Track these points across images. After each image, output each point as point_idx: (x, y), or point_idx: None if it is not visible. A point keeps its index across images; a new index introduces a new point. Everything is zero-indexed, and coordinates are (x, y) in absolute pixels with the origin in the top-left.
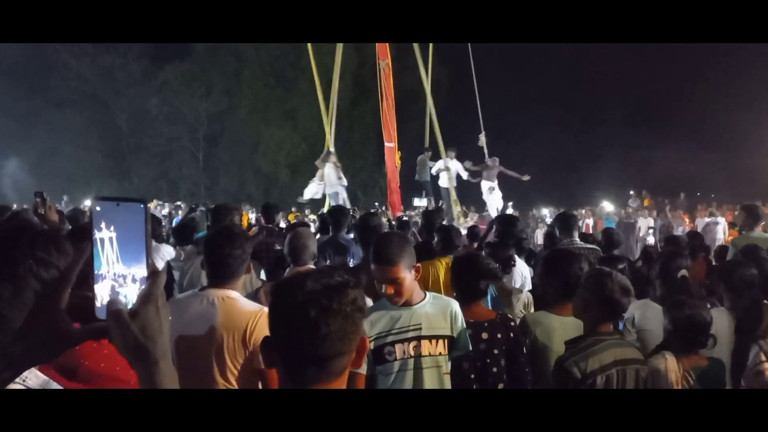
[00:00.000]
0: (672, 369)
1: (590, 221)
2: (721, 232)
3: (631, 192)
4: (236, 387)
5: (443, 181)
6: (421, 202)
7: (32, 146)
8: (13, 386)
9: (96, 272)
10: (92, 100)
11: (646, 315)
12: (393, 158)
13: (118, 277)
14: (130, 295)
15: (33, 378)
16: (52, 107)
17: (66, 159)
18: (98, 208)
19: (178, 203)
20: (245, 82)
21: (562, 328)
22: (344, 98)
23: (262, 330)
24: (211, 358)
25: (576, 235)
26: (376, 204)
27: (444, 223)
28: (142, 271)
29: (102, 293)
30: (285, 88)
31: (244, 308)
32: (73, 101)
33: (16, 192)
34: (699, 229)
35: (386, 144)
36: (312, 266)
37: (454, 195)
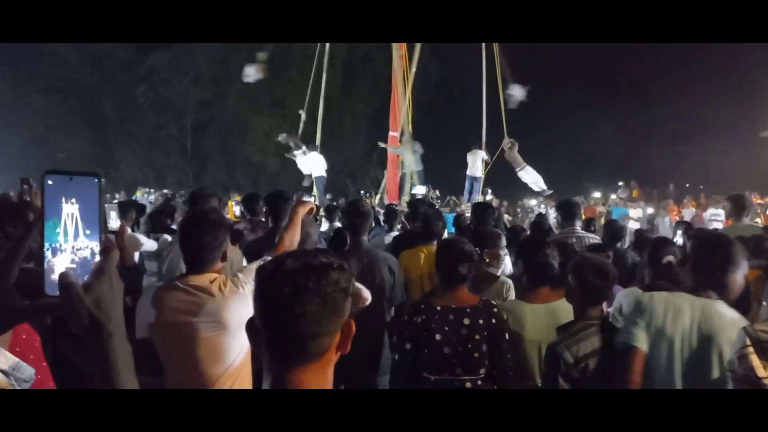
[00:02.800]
0: None
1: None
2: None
3: (620, 183)
4: (219, 374)
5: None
6: (419, 190)
7: (18, 133)
8: None
9: (50, 246)
10: (79, 87)
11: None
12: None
13: (74, 251)
14: (84, 270)
15: (3, 360)
16: (39, 94)
17: (52, 146)
18: (50, 182)
19: (165, 191)
20: (233, 70)
21: (533, 315)
22: (333, 87)
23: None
24: (191, 345)
25: (578, 223)
26: (362, 191)
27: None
28: (95, 246)
29: (57, 268)
30: (274, 76)
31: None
32: (60, 88)
33: (2, 179)
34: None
35: (391, 133)
36: None
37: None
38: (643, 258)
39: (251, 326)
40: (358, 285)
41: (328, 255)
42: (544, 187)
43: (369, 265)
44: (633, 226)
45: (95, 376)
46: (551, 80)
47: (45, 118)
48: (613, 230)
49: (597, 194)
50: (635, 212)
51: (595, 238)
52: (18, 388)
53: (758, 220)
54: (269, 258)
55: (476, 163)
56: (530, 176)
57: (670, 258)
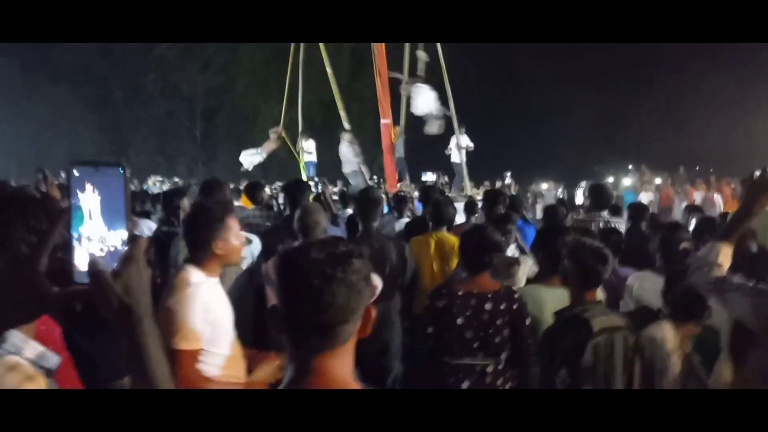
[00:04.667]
0: (669, 338)
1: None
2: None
3: (630, 166)
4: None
5: (456, 157)
6: (430, 177)
7: (30, 121)
8: (9, 358)
9: (78, 235)
10: (89, 74)
11: (644, 286)
12: (388, 134)
13: (102, 240)
14: (112, 258)
15: (30, 349)
16: (50, 82)
17: (64, 134)
18: (77, 173)
19: (176, 179)
20: (243, 56)
21: (552, 299)
22: (343, 74)
23: (177, 307)
24: None
25: (605, 209)
26: (374, 177)
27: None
28: (122, 234)
29: (84, 257)
30: (283, 61)
31: (176, 281)
32: (71, 76)
33: (15, 167)
34: (698, 203)
35: (382, 120)
36: None
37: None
38: (655, 242)
39: (273, 314)
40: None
41: (347, 243)
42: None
43: (380, 252)
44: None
45: (124, 362)
46: (556, 62)
47: (55, 105)
48: (637, 210)
49: (610, 179)
50: (646, 196)
51: (620, 223)
52: (45, 376)
53: None
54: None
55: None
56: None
57: (686, 245)
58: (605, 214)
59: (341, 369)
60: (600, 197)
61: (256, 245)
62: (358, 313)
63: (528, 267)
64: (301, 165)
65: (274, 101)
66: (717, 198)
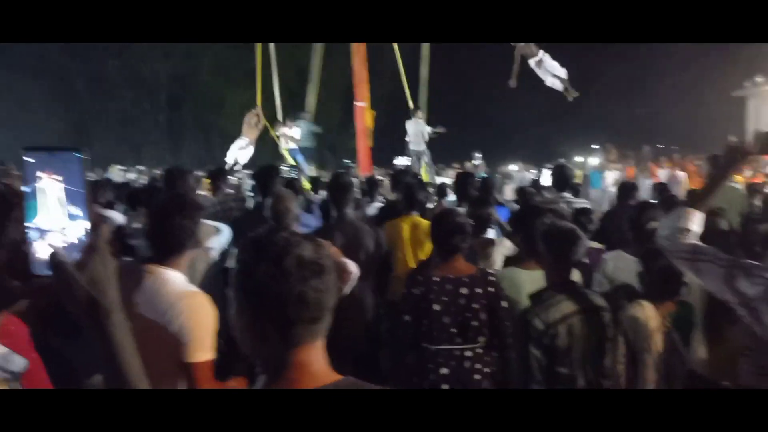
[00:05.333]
0: (651, 316)
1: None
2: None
3: (595, 146)
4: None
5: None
6: (402, 161)
7: None
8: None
9: (35, 226)
10: (50, 64)
11: (619, 266)
12: (363, 118)
13: (62, 230)
14: (74, 250)
15: (16, 361)
16: (9, 75)
17: (26, 127)
18: (30, 160)
19: (140, 168)
20: (206, 43)
21: (530, 281)
22: (307, 59)
23: (192, 318)
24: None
25: (566, 189)
26: (346, 160)
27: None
28: (84, 222)
29: (45, 248)
30: (248, 47)
31: (173, 290)
32: (32, 68)
33: None
34: (663, 181)
35: (356, 103)
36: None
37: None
38: (625, 222)
39: (243, 313)
40: (345, 259)
41: (306, 234)
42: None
43: (354, 238)
44: (612, 190)
45: (98, 361)
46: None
47: (16, 98)
48: (626, 189)
49: (578, 159)
50: (612, 175)
51: (584, 203)
52: (10, 379)
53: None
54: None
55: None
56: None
57: (655, 224)
58: (567, 194)
59: (321, 360)
60: (561, 178)
61: (225, 235)
62: (335, 301)
63: (505, 248)
64: (284, 152)
65: (240, 87)
66: (681, 175)
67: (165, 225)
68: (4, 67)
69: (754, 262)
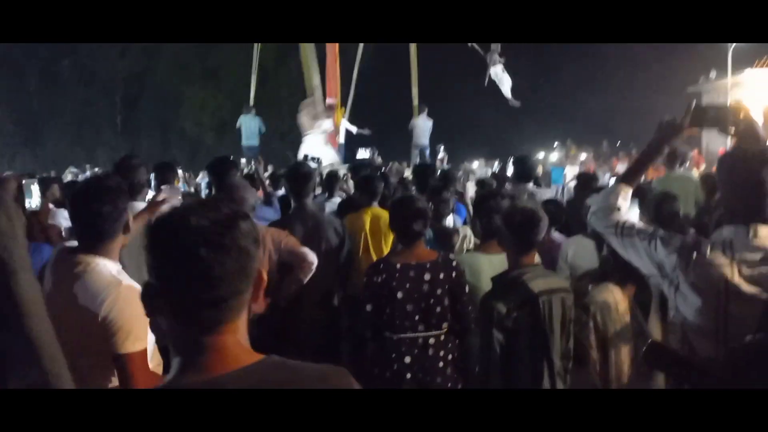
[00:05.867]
0: (620, 300)
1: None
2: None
3: (556, 142)
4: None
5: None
6: (365, 154)
7: None
8: None
9: None
10: (2, 63)
11: (578, 252)
12: (333, 115)
13: None
14: None
15: None
16: None
17: None
18: None
19: (96, 169)
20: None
21: (489, 266)
22: (267, 58)
23: (121, 308)
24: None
25: (529, 181)
26: (307, 155)
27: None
28: None
29: None
30: (205, 45)
31: (100, 280)
32: None
33: None
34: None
35: (327, 100)
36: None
37: None
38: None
39: (148, 294)
40: (303, 248)
41: (228, 203)
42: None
43: (314, 229)
44: (572, 184)
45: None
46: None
47: None
48: (586, 180)
49: (539, 155)
50: (572, 170)
51: (548, 193)
52: None
53: (694, 170)
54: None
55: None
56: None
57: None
58: (530, 185)
59: (239, 344)
60: (524, 169)
61: None
62: (250, 281)
63: (467, 238)
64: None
65: (197, 85)
66: None
67: (85, 211)
68: None
69: (670, 232)
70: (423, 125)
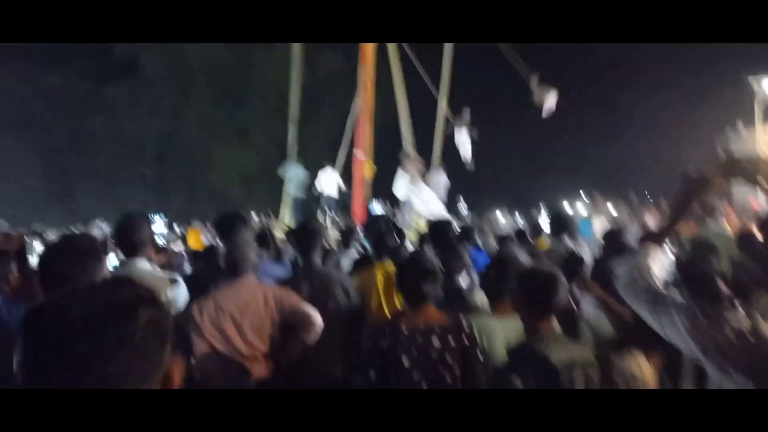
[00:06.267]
0: (646, 372)
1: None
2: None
3: (582, 192)
4: None
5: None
6: (378, 206)
7: None
8: None
9: None
10: (35, 122)
11: (601, 312)
12: (361, 169)
13: None
14: None
15: None
16: None
17: (9, 184)
18: None
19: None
20: (194, 99)
21: (503, 330)
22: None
23: None
24: None
25: (567, 237)
26: (326, 209)
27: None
28: None
29: None
30: (235, 104)
31: None
32: (16, 124)
33: None
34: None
35: (356, 152)
36: (253, 278)
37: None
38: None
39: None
40: (308, 308)
41: (134, 285)
42: (439, 212)
43: (321, 288)
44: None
45: None
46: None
47: (2, 154)
48: (612, 236)
49: (564, 205)
50: (599, 221)
51: (583, 249)
52: None
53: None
54: None
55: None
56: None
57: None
58: (567, 240)
59: None
60: (560, 221)
61: (182, 288)
62: (151, 379)
63: (480, 298)
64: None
65: (225, 143)
66: None
67: (48, 274)
68: None
69: (717, 307)
70: (436, 180)
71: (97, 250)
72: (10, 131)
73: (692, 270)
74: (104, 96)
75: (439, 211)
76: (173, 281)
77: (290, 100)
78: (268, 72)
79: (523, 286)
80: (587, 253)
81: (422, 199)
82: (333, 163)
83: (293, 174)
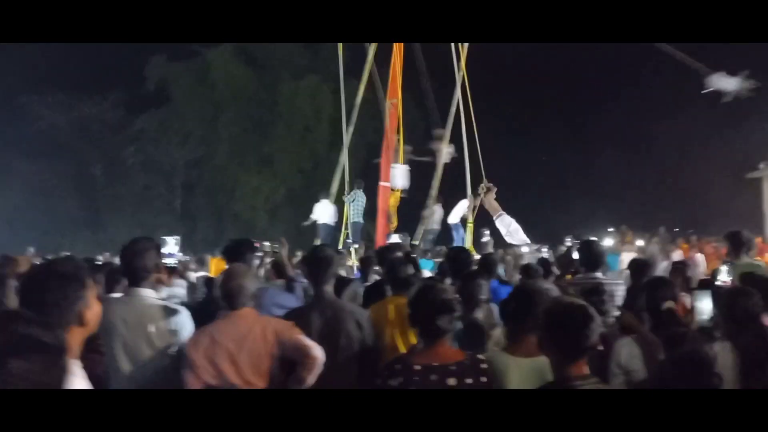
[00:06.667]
0: None
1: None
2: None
3: (610, 229)
4: None
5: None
6: (394, 239)
7: (6, 199)
8: None
9: None
10: (67, 150)
11: (634, 353)
12: (386, 198)
13: None
14: None
15: None
16: (25, 159)
17: (40, 211)
18: None
19: None
20: (222, 129)
21: (519, 371)
22: (323, 141)
23: None
24: None
25: (600, 268)
26: (348, 241)
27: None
28: None
29: None
30: (261, 134)
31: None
32: (47, 153)
33: None
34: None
35: (381, 183)
36: (251, 308)
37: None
38: (641, 300)
39: None
40: (309, 342)
41: (31, 323)
42: (524, 238)
43: (333, 320)
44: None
45: None
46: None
47: (31, 183)
48: (638, 266)
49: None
50: (628, 256)
51: (619, 284)
52: None
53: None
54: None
55: (454, 210)
56: (503, 226)
57: (671, 304)
58: (599, 274)
59: None
60: (591, 255)
61: (185, 317)
62: None
63: (499, 334)
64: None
65: (253, 172)
66: (699, 257)
67: (28, 299)
68: (17, 153)
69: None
70: (437, 213)
71: (80, 275)
72: (41, 159)
73: (733, 308)
74: (136, 125)
75: (526, 238)
76: (173, 311)
77: (343, 130)
78: (295, 102)
79: (552, 323)
80: (621, 289)
81: (508, 229)
82: (328, 194)
83: (358, 200)
